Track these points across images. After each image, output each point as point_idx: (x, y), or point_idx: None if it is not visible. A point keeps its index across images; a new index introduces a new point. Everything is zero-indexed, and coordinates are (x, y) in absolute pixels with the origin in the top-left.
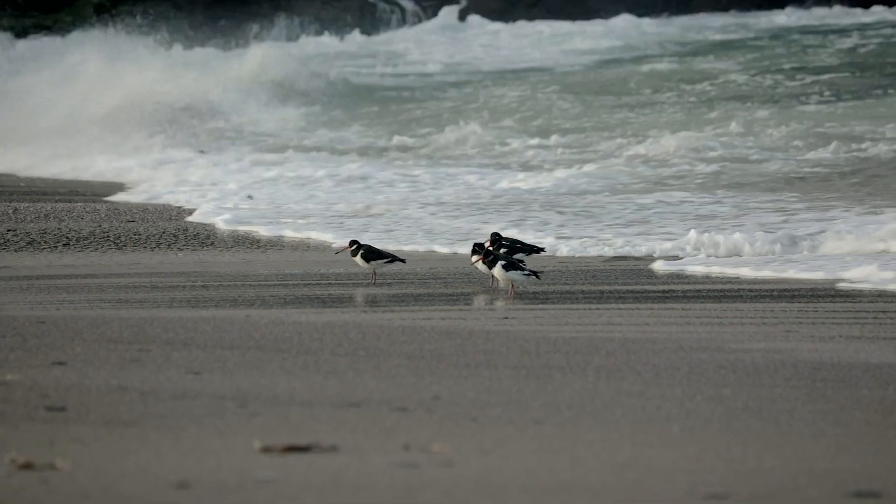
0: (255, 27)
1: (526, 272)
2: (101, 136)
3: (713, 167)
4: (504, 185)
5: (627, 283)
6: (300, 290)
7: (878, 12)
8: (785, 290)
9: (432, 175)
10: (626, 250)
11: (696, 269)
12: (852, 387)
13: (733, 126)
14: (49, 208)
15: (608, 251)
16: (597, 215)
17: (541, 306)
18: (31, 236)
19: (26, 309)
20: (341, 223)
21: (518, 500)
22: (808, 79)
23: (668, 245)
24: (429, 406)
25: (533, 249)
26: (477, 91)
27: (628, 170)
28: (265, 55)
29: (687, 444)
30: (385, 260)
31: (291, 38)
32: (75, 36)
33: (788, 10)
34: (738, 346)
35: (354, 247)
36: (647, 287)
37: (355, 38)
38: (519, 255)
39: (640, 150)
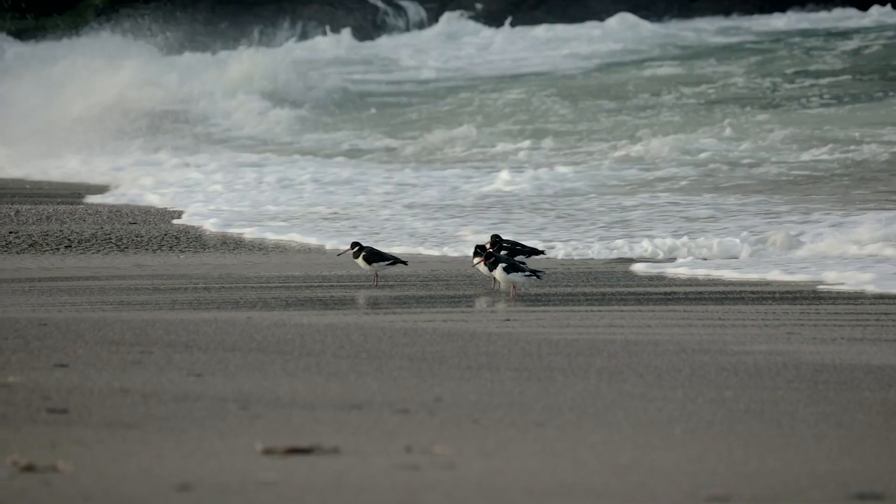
0: (256, 30)
1: (527, 273)
2: (82, 138)
3: (702, 169)
4: (489, 187)
5: (629, 285)
6: (302, 292)
7: (883, 13)
8: (787, 291)
9: (417, 177)
10: (625, 252)
11: (689, 271)
12: (854, 389)
13: (728, 131)
14: (51, 210)
15: (596, 252)
16: (589, 217)
17: (542, 308)
18: (32, 238)
19: (28, 311)
20: (319, 225)
21: (520, 501)
22: (809, 82)
23: (667, 246)
24: (431, 408)
25: (533, 252)
26: (473, 96)
27: (617, 172)
28: (254, 61)
29: (689, 446)
30: (387, 262)
31: (292, 40)
32: (72, 40)
33: (789, 13)
34: (740, 348)
35: (356, 249)
36: (648, 289)
37: (354, 42)
38: (519, 258)
39: (631, 152)
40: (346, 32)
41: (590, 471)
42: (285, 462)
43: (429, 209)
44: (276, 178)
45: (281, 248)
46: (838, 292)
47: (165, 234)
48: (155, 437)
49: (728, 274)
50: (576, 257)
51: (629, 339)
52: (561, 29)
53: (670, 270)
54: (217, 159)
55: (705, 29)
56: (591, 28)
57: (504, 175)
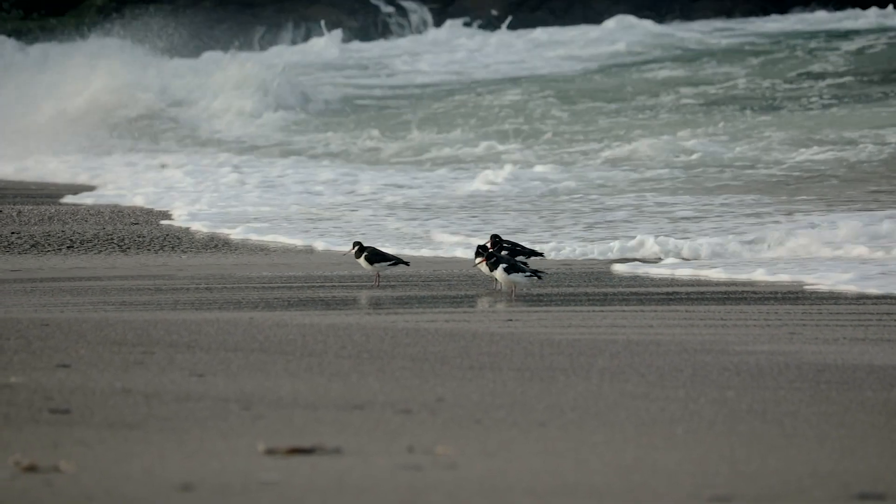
0: (259, 32)
1: (528, 273)
2: (64, 138)
3: (695, 171)
4: (471, 187)
5: (631, 285)
6: (304, 292)
7: (881, 15)
8: (789, 291)
9: (403, 177)
10: (624, 252)
11: (691, 271)
12: (856, 389)
13: (721, 127)
14: (53, 210)
15: (597, 253)
16: (588, 217)
17: (544, 308)
18: (35, 239)
19: (30, 311)
20: (296, 225)
21: (522, 502)
22: (810, 83)
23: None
24: (433, 408)
25: (533, 253)
26: (468, 99)
27: (605, 173)
28: (244, 68)
29: (691, 446)
30: (389, 262)
31: (296, 42)
32: (67, 44)
33: (790, 14)
34: (742, 348)
35: (358, 248)
36: (650, 289)
37: (351, 44)
38: (518, 258)
39: (622, 153)
40: (337, 34)
41: (592, 471)
42: (287, 462)
43: (413, 210)
44: (259, 179)
45: (266, 249)
46: (840, 293)
47: (154, 236)
48: (157, 438)
49: (715, 274)
50: (576, 257)
51: (631, 339)
52: (561, 31)
53: (670, 271)
54: (204, 160)
55: (706, 30)
56: (590, 30)
57: (489, 175)
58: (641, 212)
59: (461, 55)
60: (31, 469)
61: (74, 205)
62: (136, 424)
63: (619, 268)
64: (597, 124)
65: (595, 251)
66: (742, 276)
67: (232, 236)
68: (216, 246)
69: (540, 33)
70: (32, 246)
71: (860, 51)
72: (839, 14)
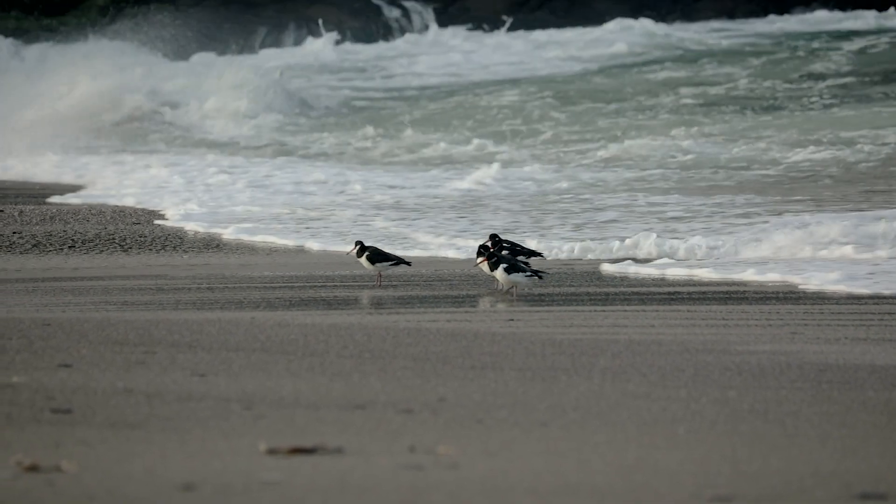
0: (261, 33)
1: (528, 273)
2: (57, 138)
3: (690, 172)
4: (463, 186)
5: (632, 285)
6: (305, 292)
7: (880, 16)
8: (790, 292)
9: (394, 178)
10: (625, 252)
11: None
12: (858, 389)
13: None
14: (55, 210)
15: (597, 253)
16: (589, 217)
17: (546, 308)
18: (36, 238)
19: (32, 311)
20: (286, 225)
21: (524, 502)
22: (810, 84)
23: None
24: (434, 408)
25: (533, 253)
26: (465, 100)
27: (597, 174)
28: (239, 74)
29: (693, 446)
30: (390, 262)
31: (298, 42)
32: (67, 45)
33: (792, 15)
34: (744, 347)
35: (359, 248)
36: (651, 289)
37: (350, 45)
38: (519, 258)
39: (617, 153)
40: (332, 36)
41: (594, 471)
42: (289, 462)
43: (401, 210)
44: (248, 180)
45: (256, 249)
46: (841, 293)
47: (156, 236)
48: (159, 438)
49: (706, 274)
50: (575, 257)
51: (633, 339)
52: (561, 32)
53: (670, 271)
54: (198, 161)
55: (707, 31)
56: (590, 31)
57: (481, 176)
58: (631, 212)
59: (459, 57)
60: (33, 469)
61: (61, 205)
62: (137, 424)
63: (607, 268)
64: (595, 125)
65: (597, 250)
66: (734, 276)
67: (224, 236)
68: (217, 246)
69: (539, 34)
70: (34, 246)
71: (861, 51)
72: (840, 14)
